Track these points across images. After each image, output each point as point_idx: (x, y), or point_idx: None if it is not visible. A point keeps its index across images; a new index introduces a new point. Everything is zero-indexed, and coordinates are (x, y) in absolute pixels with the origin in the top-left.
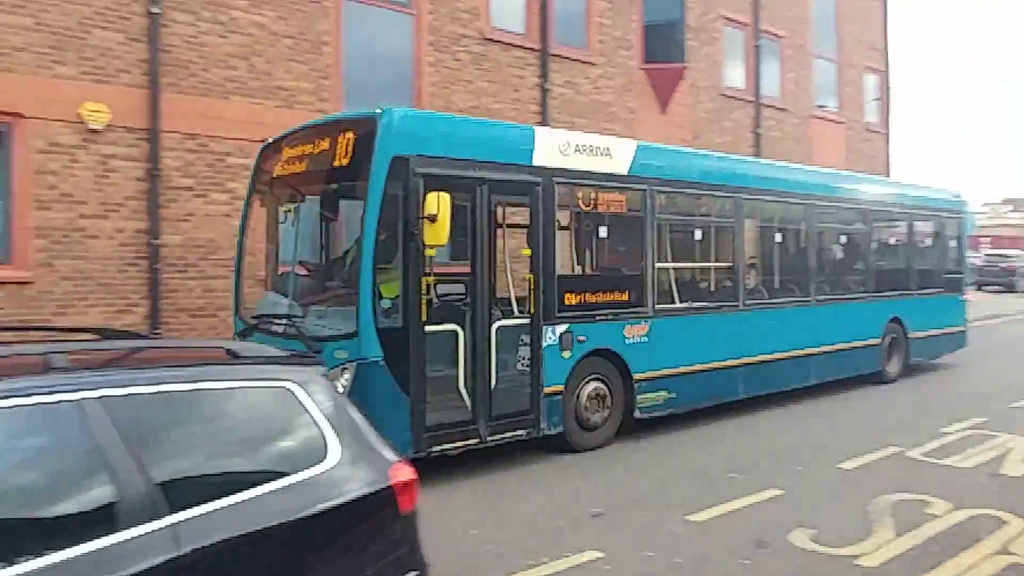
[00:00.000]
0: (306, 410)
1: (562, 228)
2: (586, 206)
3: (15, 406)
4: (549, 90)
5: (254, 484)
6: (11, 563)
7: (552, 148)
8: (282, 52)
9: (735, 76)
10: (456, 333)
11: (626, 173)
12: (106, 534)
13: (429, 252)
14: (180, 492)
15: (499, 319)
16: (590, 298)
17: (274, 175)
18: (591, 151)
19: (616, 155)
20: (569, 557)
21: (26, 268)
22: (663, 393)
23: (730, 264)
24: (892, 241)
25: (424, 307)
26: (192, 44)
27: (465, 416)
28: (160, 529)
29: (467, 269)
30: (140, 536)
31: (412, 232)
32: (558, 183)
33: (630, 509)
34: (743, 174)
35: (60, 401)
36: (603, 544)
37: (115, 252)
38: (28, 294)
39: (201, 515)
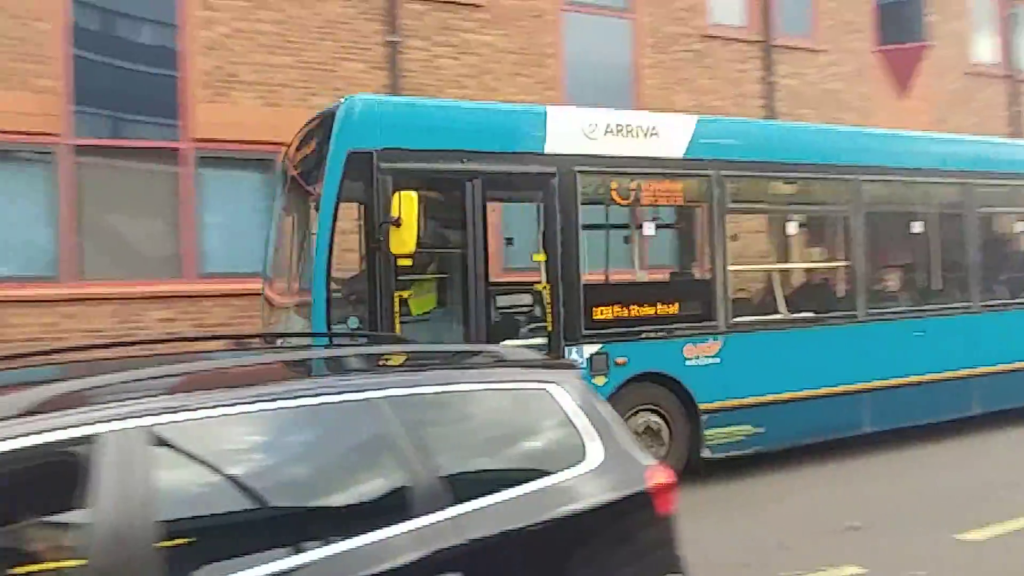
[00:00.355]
0: (565, 412)
1: (591, 227)
2: (624, 199)
3: (328, 404)
4: (774, 83)
5: (519, 482)
6: (331, 542)
7: (573, 131)
8: (508, 68)
9: (984, 51)
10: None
11: (682, 156)
12: (401, 521)
13: (403, 262)
14: (460, 486)
15: (508, 338)
16: (633, 311)
17: (284, 178)
18: (631, 132)
19: (667, 134)
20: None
21: None
22: (745, 427)
23: (843, 263)
24: None
25: (398, 324)
26: (428, 68)
27: None
28: (446, 519)
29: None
30: (431, 524)
31: (377, 239)
32: (583, 173)
33: None
34: (863, 149)
35: (363, 400)
36: None
37: None
38: None
39: (477, 509)
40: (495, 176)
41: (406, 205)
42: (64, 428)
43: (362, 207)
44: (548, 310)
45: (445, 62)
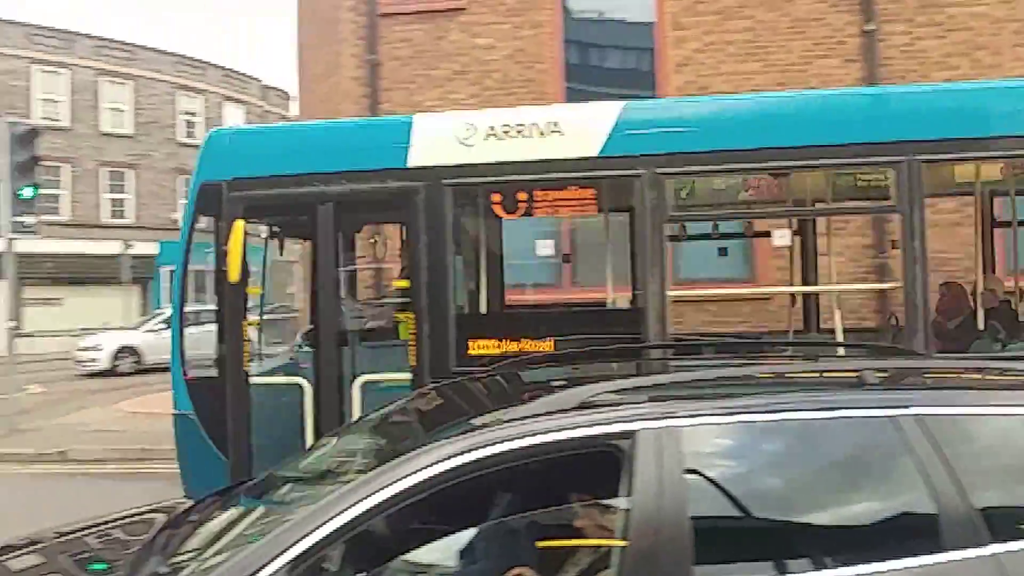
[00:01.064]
0: None
1: (468, 248)
2: (509, 212)
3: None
4: None
5: None
6: (850, 564)
7: (444, 139)
8: (1009, 39)
9: None
10: (301, 388)
11: (597, 155)
12: (926, 552)
13: (253, 291)
14: (1001, 521)
15: (366, 373)
16: (522, 346)
17: None
18: (522, 132)
19: (574, 130)
20: None
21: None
22: None
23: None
24: None
25: (246, 355)
26: (909, 52)
27: None
28: (983, 556)
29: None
30: (962, 560)
31: (222, 269)
32: (454, 186)
33: None
34: (912, 112)
35: (877, 417)
36: None
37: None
38: (769, 309)
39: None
40: (350, 198)
41: (234, 234)
42: (609, 423)
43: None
44: (412, 343)
45: (928, 44)
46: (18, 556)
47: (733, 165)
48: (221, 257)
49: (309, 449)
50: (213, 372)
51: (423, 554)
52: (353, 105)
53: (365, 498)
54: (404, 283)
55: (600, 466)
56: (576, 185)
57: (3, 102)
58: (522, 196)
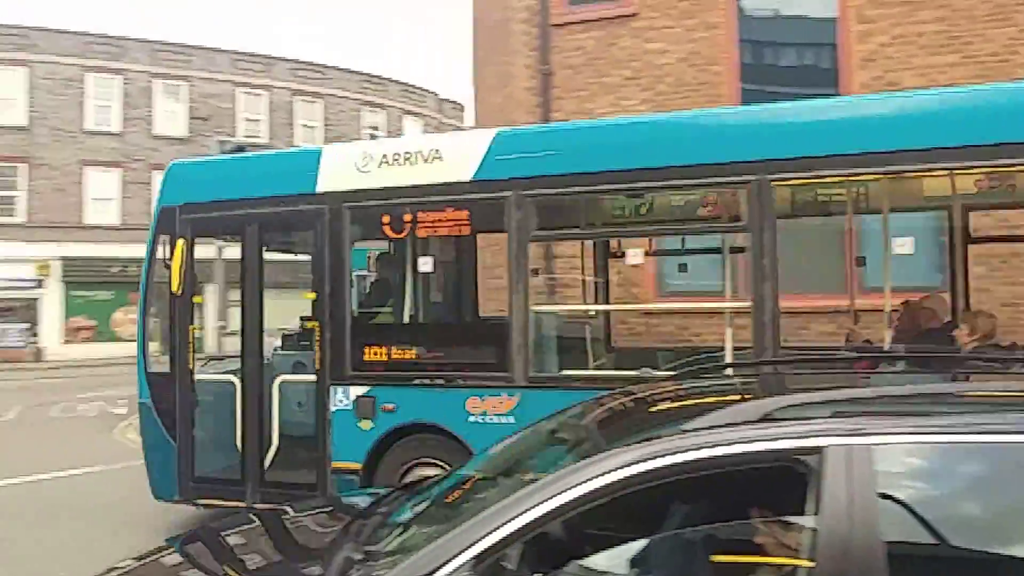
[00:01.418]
0: None
1: (368, 263)
2: (398, 232)
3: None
4: None
5: None
6: None
7: (345, 167)
8: None
9: None
10: (234, 384)
11: (470, 179)
12: None
13: (197, 299)
14: None
15: (286, 372)
16: (406, 354)
17: None
18: (409, 159)
19: (453, 156)
20: None
21: None
22: None
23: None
24: None
25: (192, 354)
26: None
27: (234, 475)
28: None
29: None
30: None
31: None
32: (352, 208)
33: None
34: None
35: None
36: None
37: None
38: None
39: None
40: (272, 219)
41: (176, 251)
42: (794, 438)
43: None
44: (317, 348)
45: None
46: (230, 534)
47: (591, 187)
48: (193, 280)
49: (488, 448)
50: (166, 368)
51: (598, 560)
52: (526, 115)
53: (547, 500)
54: (311, 295)
55: (783, 481)
56: (453, 207)
57: (212, 123)
58: (408, 217)
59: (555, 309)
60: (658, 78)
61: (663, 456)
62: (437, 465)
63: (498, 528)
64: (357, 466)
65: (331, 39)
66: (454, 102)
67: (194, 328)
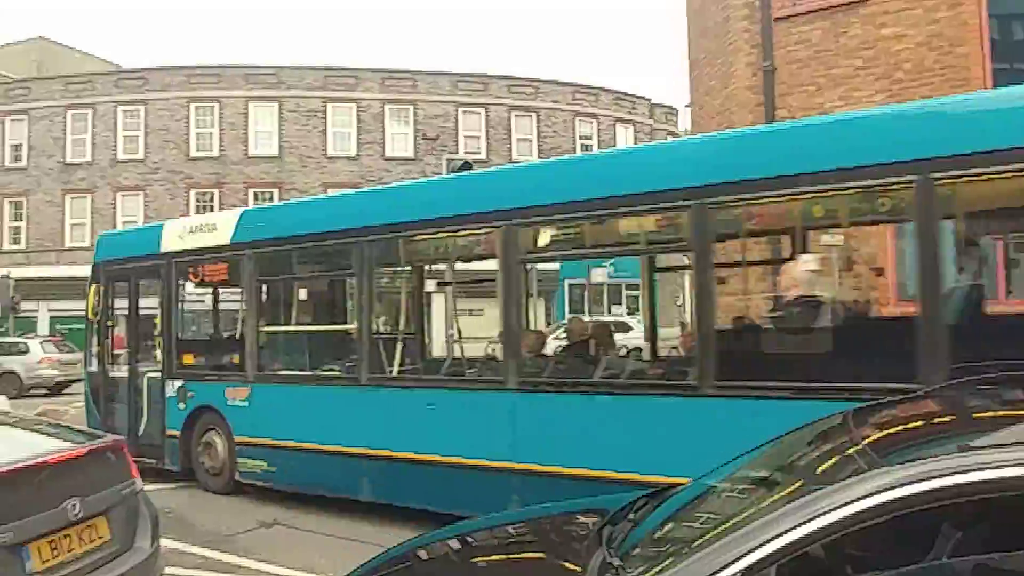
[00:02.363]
0: None
1: (189, 299)
2: (197, 278)
3: None
4: None
5: None
6: None
7: (175, 235)
8: None
9: None
10: (124, 379)
11: (228, 242)
12: None
13: (110, 323)
14: None
15: (151, 371)
16: (199, 359)
17: None
18: (202, 229)
19: (222, 228)
20: None
21: None
22: (261, 463)
23: (354, 328)
24: None
25: (106, 358)
26: None
27: (125, 434)
28: None
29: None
30: None
31: (95, 311)
32: (177, 263)
33: None
34: (368, 211)
35: None
36: None
37: None
38: None
39: None
40: (138, 271)
41: (90, 292)
42: None
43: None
44: (160, 355)
45: None
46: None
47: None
48: (108, 309)
49: (739, 457)
50: (94, 367)
51: None
52: (748, 115)
53: (815, 517)
54: (158, 320)
55: None
56: (220, 261)
57: (437, 142)
58: (203, 267)
59: (273, 330)
60: (895, 66)
61: (939, 477)
62: (218, 432)
63: (762, 545)
64: (177, 433)
65: (543, 52)
66: (667, 107)
67: (103, 342)
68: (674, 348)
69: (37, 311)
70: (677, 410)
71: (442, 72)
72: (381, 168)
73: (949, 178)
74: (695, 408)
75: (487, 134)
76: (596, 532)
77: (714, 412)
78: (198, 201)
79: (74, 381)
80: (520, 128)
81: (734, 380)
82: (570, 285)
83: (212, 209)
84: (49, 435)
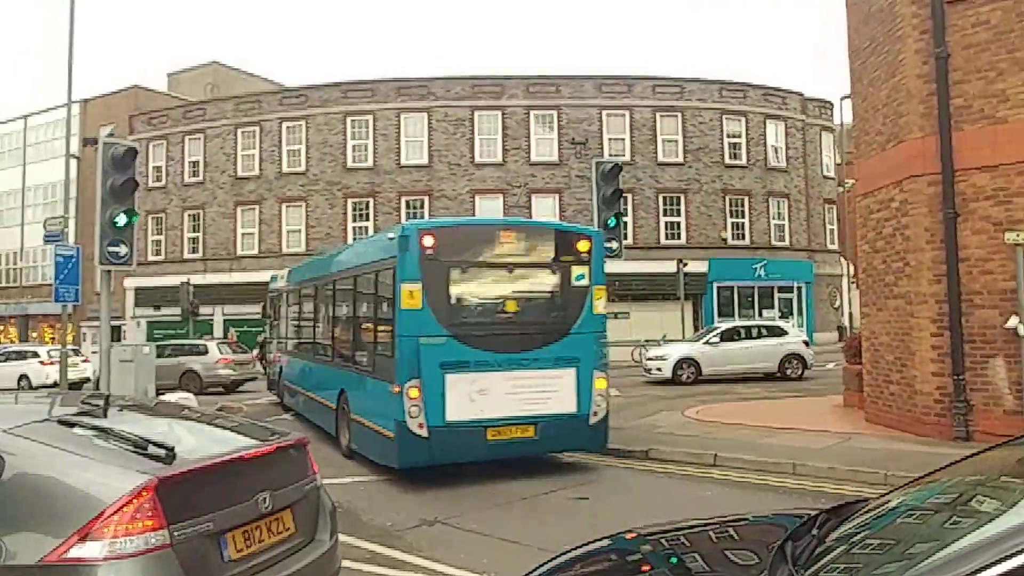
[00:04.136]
0: None
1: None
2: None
3: None
4: None
5: None
6: None
7: (276, 279)
8: None
9: None
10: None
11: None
12: None
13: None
14: None
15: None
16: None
17: None
18: (276, 279)
19: (281, 277)
20: None
21: None
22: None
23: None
24: None
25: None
26: None
27: None
28: None
29: None
30: None
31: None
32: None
33: None
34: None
35: None
36: None
37: None
38: None
39: None
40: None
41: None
42: None
43: None
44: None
45: None
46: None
47: None
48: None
49: (921, 478)
50: None
51: None
52: (919, 105)
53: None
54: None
55: None
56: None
57: (586, 147)
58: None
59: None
60: None
61: None
62: None
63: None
64: None
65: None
66: (822, 101)
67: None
68: None
69: (212, 315)
70: None
71: (586, 76)
72: (527, 173)
73: None
74: None
75: (631, 136)
76: (779, 547)
77: None
78: (354, 210)
79: (247, 380)
80: (665, 128)
81: None
82: (718, 288)
83: (367, 217)
84: (238, 432)
